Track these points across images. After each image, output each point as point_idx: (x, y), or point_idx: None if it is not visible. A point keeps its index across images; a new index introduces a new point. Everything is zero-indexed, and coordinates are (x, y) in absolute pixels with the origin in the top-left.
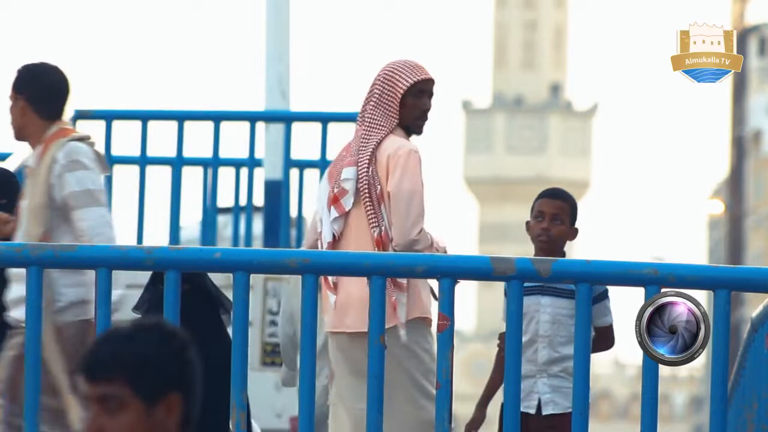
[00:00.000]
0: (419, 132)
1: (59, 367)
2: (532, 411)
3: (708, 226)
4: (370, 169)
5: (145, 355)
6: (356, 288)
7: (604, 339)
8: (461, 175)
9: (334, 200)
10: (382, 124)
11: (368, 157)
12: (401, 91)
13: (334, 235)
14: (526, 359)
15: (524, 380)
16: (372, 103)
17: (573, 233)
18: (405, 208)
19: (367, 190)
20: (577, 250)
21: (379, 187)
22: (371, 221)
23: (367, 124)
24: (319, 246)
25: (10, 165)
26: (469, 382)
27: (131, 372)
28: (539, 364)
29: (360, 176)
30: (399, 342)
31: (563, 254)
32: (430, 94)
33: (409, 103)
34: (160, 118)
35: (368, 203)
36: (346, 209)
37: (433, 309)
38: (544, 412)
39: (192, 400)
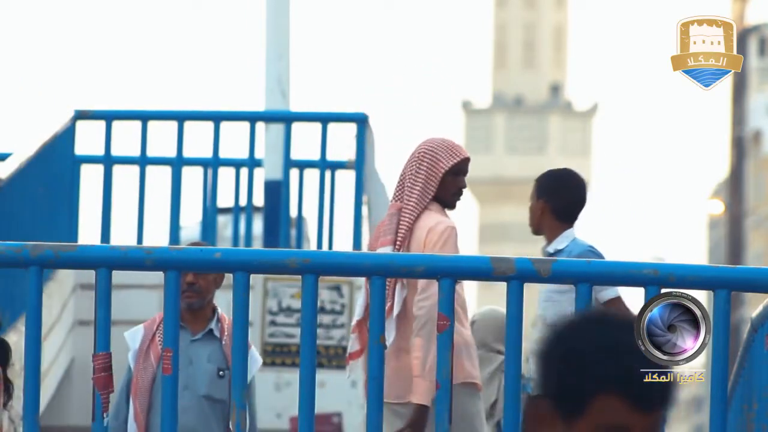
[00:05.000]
0: (453, 207)
1: None
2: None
3: (708, 226)
4: (404, 246)
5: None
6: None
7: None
8: None
9: None
10: (418, 201)
11: (404, 234)
12: (442, 172)
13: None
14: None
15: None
16: (410, 180)
17: (540, 206)
18: None
19: None
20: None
21: None
22: (387, 295)
23: (405, 201)
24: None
25: None
26: None
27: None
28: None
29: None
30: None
31: (543, 231)
32: (465, 172)
33: (447, 181)
34: (160, 118)
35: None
36: None
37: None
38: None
39: None
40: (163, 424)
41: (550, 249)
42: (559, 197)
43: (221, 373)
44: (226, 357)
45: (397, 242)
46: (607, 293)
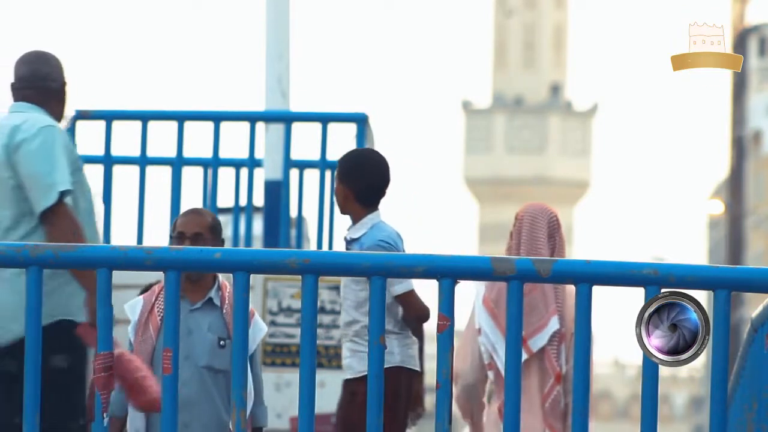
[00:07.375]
0: None
1: None
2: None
3: (708, 226)
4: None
5: None
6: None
7: (408, 308)
8: (461, 175)
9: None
10: None
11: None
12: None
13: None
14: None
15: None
16: (551, 248)
17: (342, 191)
18: None
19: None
20: (577, 250)
21: (563, 329)
22: (553, 358)
23: None
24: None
25: None
26: None
27: None
28: (341, 327)
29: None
30: None
31: (349, 213)
32: None
33: None
34: (160, 118)
35: (555, 344)
36: (534, 351)
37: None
38: (345, 377)
39: None
40: (163, 423)
41: (348, 237)
42: (358, 180)
43: (222, 342)
44: (227, 326)
45: (559, 313)
46: (400, 287)
